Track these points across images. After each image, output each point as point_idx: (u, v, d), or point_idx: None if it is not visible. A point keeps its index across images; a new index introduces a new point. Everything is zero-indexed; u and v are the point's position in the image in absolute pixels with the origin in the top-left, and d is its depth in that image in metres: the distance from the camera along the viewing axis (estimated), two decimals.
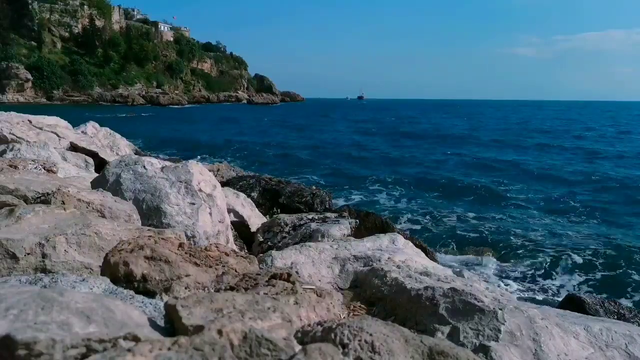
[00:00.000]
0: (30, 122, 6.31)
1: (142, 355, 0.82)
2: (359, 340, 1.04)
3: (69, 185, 2.79)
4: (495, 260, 8.58)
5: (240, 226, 4.95)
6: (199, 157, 18.74)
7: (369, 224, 5.24)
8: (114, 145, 8.35)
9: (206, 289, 1.62)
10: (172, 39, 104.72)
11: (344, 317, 1.66)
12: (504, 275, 7.90)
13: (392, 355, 1.03)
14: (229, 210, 4.44)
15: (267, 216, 5.97)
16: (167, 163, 3.84)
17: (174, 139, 27.05)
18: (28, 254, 1.74)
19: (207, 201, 3.39)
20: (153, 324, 1.11)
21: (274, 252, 2.92)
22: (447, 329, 2.03)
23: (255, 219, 5.23)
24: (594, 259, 8.76)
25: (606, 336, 2.05)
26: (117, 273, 1.56)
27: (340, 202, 11.90)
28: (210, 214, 3.38)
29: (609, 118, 72.29)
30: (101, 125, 8.90)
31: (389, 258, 2.91)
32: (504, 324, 1.96)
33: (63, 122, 7.00)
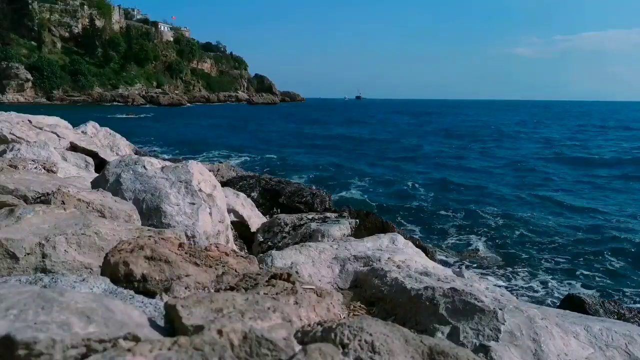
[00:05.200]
0: (30, 122, 6.30)
1: (142, 355, 0.82)
2: (359, 340, 1.04)
3: (69, 185, 2.79)
4: (495, 260, 8.59)
5: (240, 226, 4.95)
6: (199, 157, 18.73)
7: (369, 224, 5.23)
8: (114, 145, 8.35)
9: (206, 289, 1.61)
10: (172, 39, 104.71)
11: (344, 317, 1.66)
12: (504, 275, 7.90)
13: (392, 355, 1.03)
14: (229, 210, 4.43)
15: (267, 216, 5.97)
16: (167, 163, 3.84)
17: (174, 139, 27.05)
18: (28, 254, 1.74)
19: (207, 201, 3.39)
20: (153, 324, 1.10)
21: (274, 252, 2.92)
22: (447, 329, 2.03)
23: (255, 219, 5.23)
24: (595, 258, 8.77)
25: (606, 336, 2.05)
26: (117, 273, 1.56)
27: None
28: (210, 214, 3.38)
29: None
30: (101, 125, 8.89)
31: (389, 258, 2.90)
32: (504, 324, 1.96)
33: (63, 122, 7.00)
